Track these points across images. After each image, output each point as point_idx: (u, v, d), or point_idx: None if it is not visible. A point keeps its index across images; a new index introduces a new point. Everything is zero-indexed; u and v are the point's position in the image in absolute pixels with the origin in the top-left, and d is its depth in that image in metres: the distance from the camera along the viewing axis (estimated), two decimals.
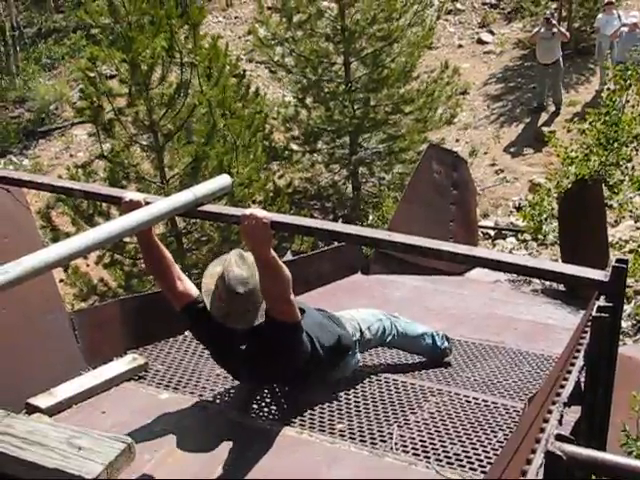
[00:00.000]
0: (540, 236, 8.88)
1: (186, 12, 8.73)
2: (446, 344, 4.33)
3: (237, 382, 3.80)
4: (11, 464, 2.03)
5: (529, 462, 1.50)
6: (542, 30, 13.95)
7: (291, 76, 12.46)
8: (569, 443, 1.53)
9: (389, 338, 4.10)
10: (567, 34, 14.22)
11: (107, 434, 2.16)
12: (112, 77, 11.10)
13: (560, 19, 16.32)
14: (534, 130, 14.43)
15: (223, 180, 3.45)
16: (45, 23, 20.80)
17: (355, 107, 12.12)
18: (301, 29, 12.13)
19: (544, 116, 14.85)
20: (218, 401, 3.65)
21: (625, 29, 13.60)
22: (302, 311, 3.43)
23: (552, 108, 14.86)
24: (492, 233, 11.94)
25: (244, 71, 12.21)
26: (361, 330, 3.88)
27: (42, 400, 3.43)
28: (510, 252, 10.68)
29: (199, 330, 3.57)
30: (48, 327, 3.67)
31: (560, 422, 1.60)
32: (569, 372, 1.87)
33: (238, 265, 3.31)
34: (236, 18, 20.47)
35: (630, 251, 8.25)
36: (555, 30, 13.82)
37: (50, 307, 3.71)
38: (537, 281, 7.16)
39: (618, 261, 2.21)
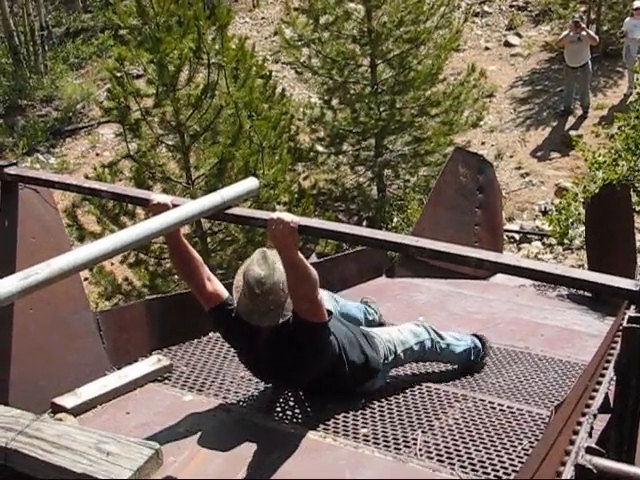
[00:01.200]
0: (566, 241, 8.82)
1: (214, 13, 8.76)
2: (479, 358, 4.30)
3: (261, 385, 3.80)
4: (42, 468, 2.04)
5: (559, 474, 1.49)
6: (570, 34, 13.85)
7: (317, 77, 12.47)
8: (600, 456, 1.52)
9: (425, 357, 4.10)
10: (596, 38, 14.10)
11: (135, 439, 2.17)
12: (139, 77, 11.19)
13: (589, 22, 16.19)
14: (561, 134, 14.33)
15: (251, 183, 3.45)
16: (73, 23, 21.00)
17: (381, 109, 12.11)
18: (328, 30, 12.15)
19: (571, 120, 14.74)
20: (242, 404, 3.65)
21: None
22: (329, 313, 3.43)
23: (579, 112, 14.75)
24: (517, 237, 11.87)
25: (270, 72, 12.23)
26: (395, 353, 3.84)
27: (68, 400, 3.45)
28: (535, 256, 10.62)
29: (227, 330, 3.58)
30: (74, 327, 3.69)
31: (590, 434, 1.58)
32: (599, 383, 1.85)
33: (259, 264, 3.32)
34: (262, 19, 20.52)
35: None
36: (584, 33, 13.72)
37: (76, 307, 3.73)
38: (562, 286, 7.11)
39: None
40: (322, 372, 3.55)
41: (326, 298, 3.87)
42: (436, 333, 4.09)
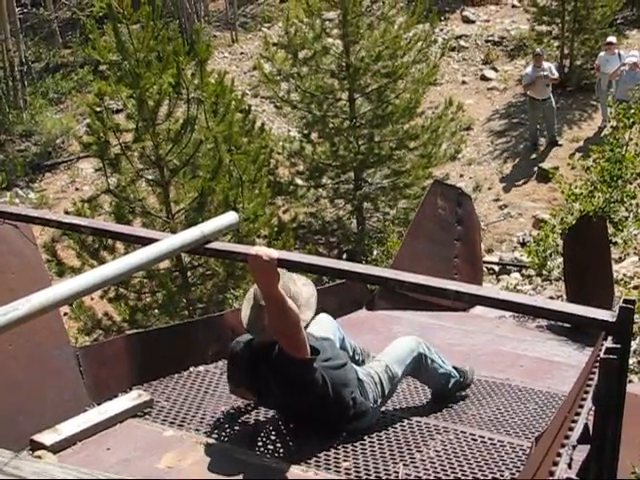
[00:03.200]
0: (545, 272, 8.88)
1: (193, 49, 8.83)
2: (454, 388, 4.31)
3: (242, 419, 3.79)
4: None
5: None
6: (529, 69, 14.24)
7: (296, 111, 12.56)
8: None
9: (415, 372, 4.11)
10: (555, 76, 14.42)
11: (114, 476, 2.16)
12: (119, 111, 11.21)
13: (562, 57, 16.50)
14: (537, 166, 14.50)
15: (231, 217, 3.47)
16: (53, 58, 21.07)
17: (360, 143, 12.21)
18: (306, 65, 12.27)
19: (547, 151, 14.94)
20: (223, 438, 3.63)
21: (625, 68, 13.76)
22: (316, 351, 3.45)
23: (547, 143, 15.07)
24: (496, 268, 11.93)
25: (249, 106, 12.31)
26: (384, 393, 3.85)
27: (47, 437, 3.41)
28: (515, 287, 10.66)
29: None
30: (54, 363, 3.67)
31: (570, 465, 1.59)
32: (578, 414, 1.87)
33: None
34: (241, 54, 20.69)
35: (635, 287, 8.26)
36: (542, 74, 14.05)
37: (56, 343, 3.70)
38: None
39: (626, 302, 2.21)
40: (310, 405, 3.56)
41: (330, 326, 4.01)
42: (426, 346, 4.12)
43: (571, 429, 1.76)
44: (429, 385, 4.27)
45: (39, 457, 3.21)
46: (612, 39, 14.72)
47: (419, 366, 4.07)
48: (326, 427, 3.66)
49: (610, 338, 2.15)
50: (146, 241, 3.14)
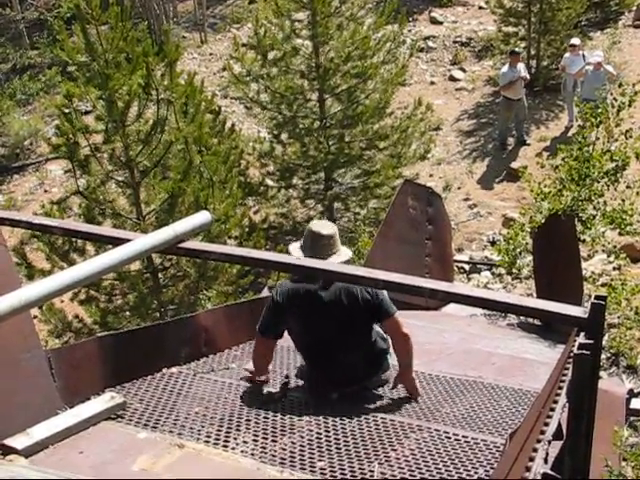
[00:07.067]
0: (515, 270, 8.96)
1: (162, 50, 8.78)
2: None
3: (217, 420, 3.78)
4: None
5: None
6: (506, 69, 14.35)
7: (266, 112, 12.55)
8: None
9: None
10: (527, 77, 14.57)
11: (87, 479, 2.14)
12: (88, 113, 11.12)
13: (529, 57, 16.65)
14: (506, 165, 14.62)
15: (203, 217, 3.45)
16: (20, 59, 20.80)
17: (330, 143, 12.22)
18: (276, 66, 12.25)
19: (515, 151, 15.07)
20: (197, 439, 3.61)
21: (590, 67, 13.94)
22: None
23: (515, 143, 15.22)
24: (467, 267, 12.00)
25: (219, 107, 12.28)
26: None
27: (18, 441, 3.37)
28: (485, 286, 10.74)
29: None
30: (25, 366, 3.62)
31: (546, 460, 1.61)
32: (552, 409, 1.89)
33: (319, 220, 4.60)
34: (211, 55, 20.60)
35: (603, 284, 8.36)
36: (519, 68, 14.21)
37: (27, 345, 3.66)
38: (513, 315, 7.21)
39: (597, 297, 2.24)
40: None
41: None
42: None
43: (546, 424, 1.78)
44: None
45: (11, 461, 3.17)
46: (575, 41, 14.90)
47: None
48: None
49: (583, 334, 2.18)
50: (118, 241, 3.12)
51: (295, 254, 4.19)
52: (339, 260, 4.14)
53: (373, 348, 4.36)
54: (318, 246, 4.20)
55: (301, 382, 4.45)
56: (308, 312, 4.24)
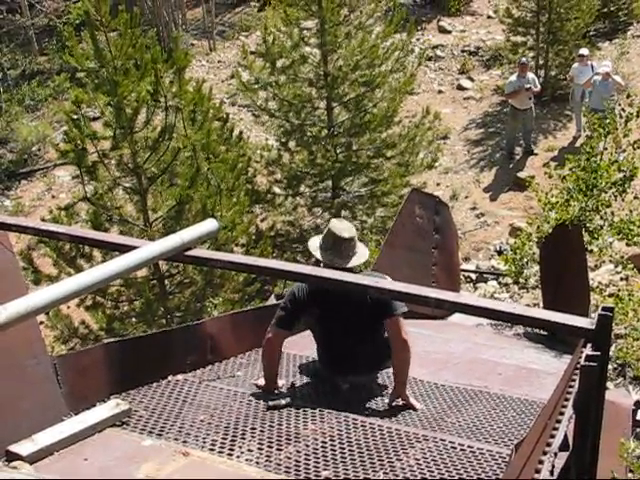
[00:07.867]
0: (521, 280, 8.93)
1: (171, 57, 8.80)
2: None
3: (221, 427, 3.77)
4: None
5: None
6: (514, 78, 14.33)
7: (274, 120, 12.55)
8: None
9: None
10: (538, 88, 14.57)
11: None
12: (96, 119, 11.14)
13: (537, 67, 16.65)
14: (513, 175, 14.61)
15: (210, 224, 3.46)
16: (29, 65, 20.88)
17: (337, 151, 12.22)
18: (284, 74, 12.26)
19: (523, 160, 15.06)
20: (202, 447, 3.61)
21: (598, 78, 13.92)
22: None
23: (523, 152, 15.19)
24: (474, 277, 11.98)
25: (227, 115, 12.29)
26: None
27: (23, 447, 3.37)
28: (492, 295, 10.72)
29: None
30: (31, 372, 3.63)
31: (552, 472, 1.60)
32: (558, 421, 1.88)
33: (340, 223, 4.51)
34: (219, 62, 20.65)
35: (610, 295, 8.32)
36: (529, 79, 14.21)
37: (33, 352, 3.67)
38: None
39: (604, 309, 2.23)
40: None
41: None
42: None
43: (552, 436, 1.77)
44: None
45: (15, 468, 3.17)
46: (584, 51, 14.91)
47: None
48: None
49: (589, 345, 2.17)
50: (125, 248, 3.12)
51: (315, 254, 4.52)
52: (358, 262, 4.48)
53: (385, 340, 4.46)
54: (339, 249, 4.43)
55: (307, 391, 4.46)
56: (326, 306, 4.47)
